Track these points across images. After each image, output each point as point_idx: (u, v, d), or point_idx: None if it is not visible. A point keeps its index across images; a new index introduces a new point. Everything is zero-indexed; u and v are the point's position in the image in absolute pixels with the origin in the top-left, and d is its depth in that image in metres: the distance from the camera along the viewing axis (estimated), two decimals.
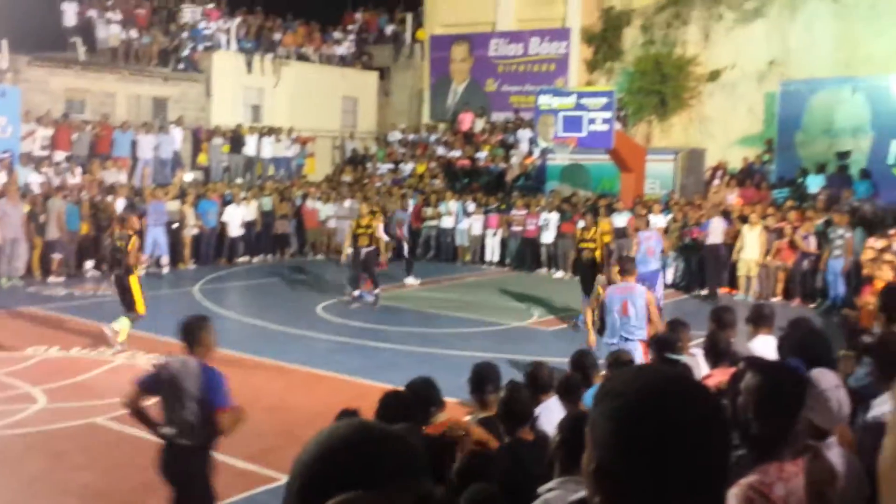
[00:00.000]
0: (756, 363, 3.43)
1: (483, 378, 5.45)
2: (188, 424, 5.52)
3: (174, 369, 5.60)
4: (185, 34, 26.81)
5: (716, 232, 17.76)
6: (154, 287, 18.03)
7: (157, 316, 14.65)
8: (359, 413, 4.21)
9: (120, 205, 18.91)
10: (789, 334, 5.58)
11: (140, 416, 5.82)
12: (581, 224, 16.60)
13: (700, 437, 1.42)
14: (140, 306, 12.19)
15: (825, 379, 3.72)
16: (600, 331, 9.43)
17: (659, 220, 18.91)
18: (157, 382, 5.71)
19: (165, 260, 19.49)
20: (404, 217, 19.99)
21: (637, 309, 8.81)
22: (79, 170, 20.42)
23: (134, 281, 12.22)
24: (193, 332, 5.78)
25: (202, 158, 25.04)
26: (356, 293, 16.16)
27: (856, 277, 15.40)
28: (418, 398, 5.31)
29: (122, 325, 12.09)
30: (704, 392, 1.54)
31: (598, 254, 14.28)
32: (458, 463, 4.21)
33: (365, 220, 16.08)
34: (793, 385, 3.19)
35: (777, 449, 2.96)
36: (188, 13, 27.78)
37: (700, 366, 6.53)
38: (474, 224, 22.07)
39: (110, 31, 25.31)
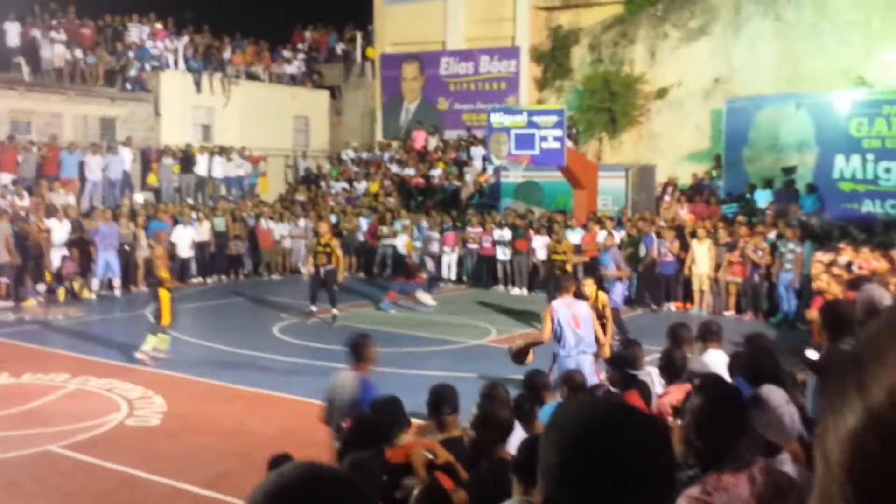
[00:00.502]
0: (699, 385, 3.61)
1: (440, 399, 5.39)
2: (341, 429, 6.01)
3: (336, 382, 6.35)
4: (131, 54, 26.47)
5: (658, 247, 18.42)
6: (106, 310, 17.76)
7: (108, 341, 14.42)
8: (291, 458, 4.09)
9: (64, 227, 18.60)
10: (740, 353, 5.72)
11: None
12: (540, 239, 17.44)
13: (644, 467, 1.45)
14: (165, 318, 12.56)
15: (774, 396, 3.84)
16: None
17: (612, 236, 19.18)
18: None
19: (118, 282, 19.23)
20: (433, 237, 20.11)
21: (585, 322, 9.06)
22: (25, 192, 20.00)
23: (163, 293, 12.58)
24: (359, 348, 6.55)
25: (152, 179, 24.71)
26: (313, 308, 16.36)
27: (807, 291, 15.72)
28: (383, 419, 5.29)
29: (149, 342, 12.47)
30: (649, 421, 1.60)
31: (568, 266, 15.54)
32: (417, 498, 4.21)
33: (325, 239, 16.26)
34: (732, 405, 3.38)
35: (720, 464, 3.14)
36: (134, 32, 27.44)
37: (655, 382, 6.60)
38: (434, 242, 22.06)
39: (55, 52, 24.89)
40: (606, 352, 9.12)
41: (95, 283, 18.97)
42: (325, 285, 16.12)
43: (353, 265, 23.66)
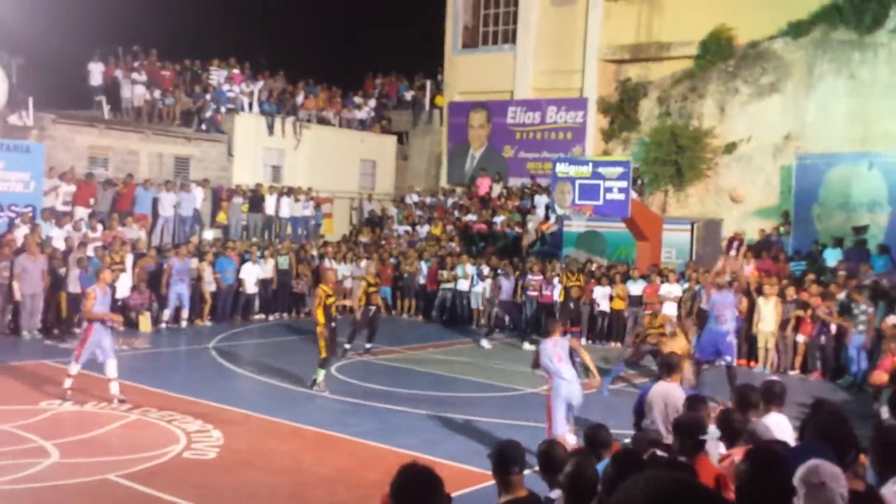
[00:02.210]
0: (749, 451, 3.52)
1: (508, 458, 5.13)
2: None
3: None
4: (208, 96, 27.34)
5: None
6: (172, 343, 18.14)
7: (171, 373, 14.70)
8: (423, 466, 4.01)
9: (128, 261, 19.14)
10: (812, 417, 5.48)
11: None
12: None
13: None
14: (322, 351, 13.61)
15: (825, 471, 3.64)
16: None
17: (675, 289, 18.94)
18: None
19: (186, 314, 19.80)
20: (506, 284, 20.38)
21: (565, 354, 10.59)
22: (100, 226, 20.65)
23: (318, 329, 13.73)
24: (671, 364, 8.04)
25: (222, 217, 25.31)
26: (368, 346, 17.41)
27: (877, 353, 15.27)
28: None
29: (317, 374, 13.68)
30: (712, 498, 1.59)
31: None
32: None
33: (373, 279, 17.66)
34: (777, 474, 3.33)
35: None
36: (214, 76, 28.40)
37: (718, 444, 6.36)
38: (488, 288, 22.09)
39: (135, 92, 25.86)
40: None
41: (166, 314, 19.46)
42: (371, 323, 17.37)
43: (411, 308, 23.79)
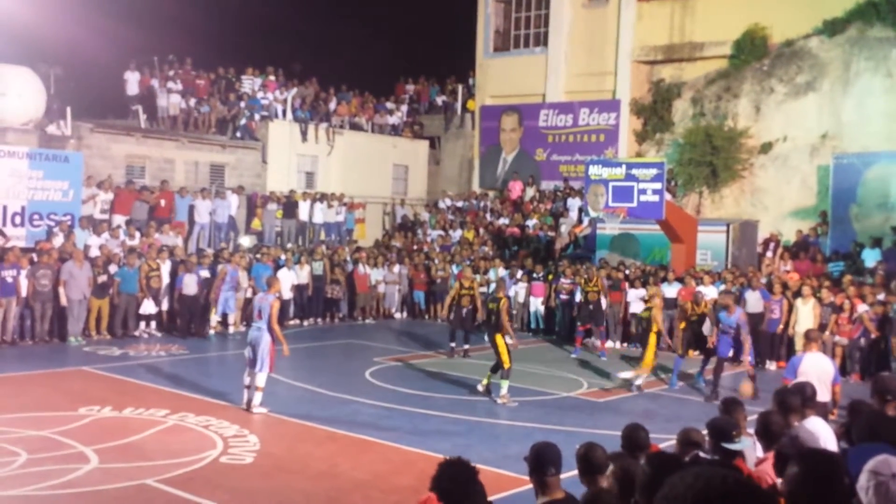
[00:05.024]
0: (799, 454, 3.47)
1: (544, 459, 5.09)
2: None
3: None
4: (242, 104, 27.61)
5: (753, 303, 17.99)
6: (212, 348, 18.32)
7: (209, 378, 14.84)
8: (465, 462, 4.42)
9: (166, 268, 19.34)
10: (856, 418, 5.41)
11: None
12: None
13: None
14: (505, 362, 13.75)
15: (887, 465, 3.60)
16: None
17: (710, 291, 18.75)
18: None
19: (233, 319, 20.05)
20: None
21: None
22: (137, 233, 20.93)
23: (500, 342, 13.86)
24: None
25: (256, 223, 25.52)
26: (452, 345, 17.98)
27: None
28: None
29: (503, 387, 13.64)
30: (762, 495, 1.57)
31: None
32: None
33: (468, 283, 17.92)
34: (833, 477, 3.29)
35: None
36: (247, 84, 28.69)
37: (756, 447, 6.30)
38: (520, 291, 22.04)
39: (171, 101, 26.19)
40: None
41: (214, 319, 19.68)
42: (464, 326, 17.88)
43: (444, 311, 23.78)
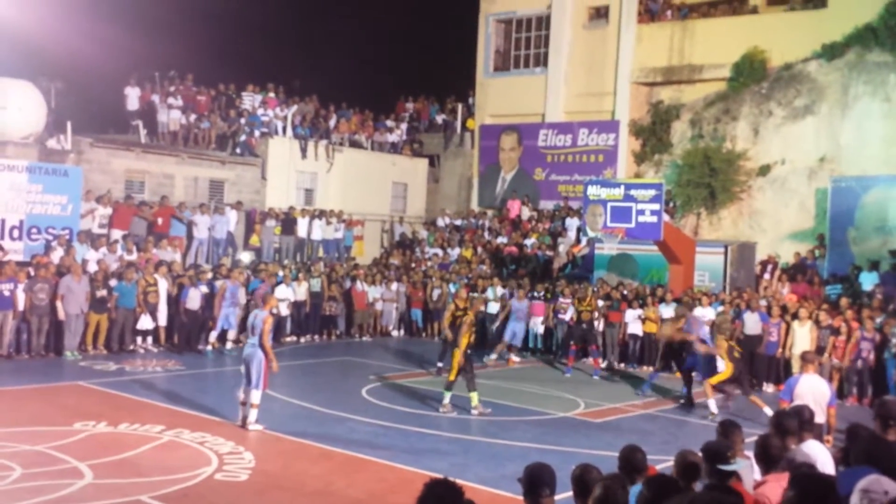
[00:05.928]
0: (794, 477, 3.50)
1: (538, 481, 5.03)
2: None
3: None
4: (242, 120, 27.69)
5: (752, 325, 18.09)
6: (210, 364, 18.27)
7: (204, 395, 14.79)
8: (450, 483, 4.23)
9: (164, 284, 19.32)
10: (854, 442, 5.41)
11: None
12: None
13: None
14: (451, 376, 14.23)
15: (889, 483, 3.63)
16: None
17: (708, 313, 18.75)
18: None
19: (233, 335, 20.04)
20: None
21: None
22: (134, 248, 20.91)
23: (456, 353, 14.19)
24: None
25: (254, 239, 25.52)
26: (440, 364, 17.75)
27: None
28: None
29: (473, 399, 14.12)
30: None
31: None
32: None
33: (462, 304, 16.70)
34: (826, 499, 3.39)
35: None
36: (248, 100, 28.77)
37: (754, 469, 6.28)
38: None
39: (171, 116, 26.26)
40: None
41: (213, 336, 19.66)
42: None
43: (441, 331, 23.70)
